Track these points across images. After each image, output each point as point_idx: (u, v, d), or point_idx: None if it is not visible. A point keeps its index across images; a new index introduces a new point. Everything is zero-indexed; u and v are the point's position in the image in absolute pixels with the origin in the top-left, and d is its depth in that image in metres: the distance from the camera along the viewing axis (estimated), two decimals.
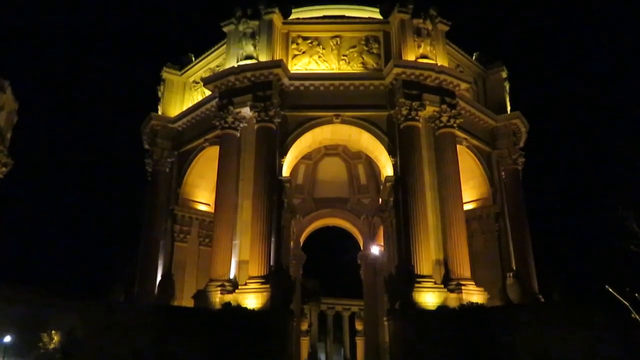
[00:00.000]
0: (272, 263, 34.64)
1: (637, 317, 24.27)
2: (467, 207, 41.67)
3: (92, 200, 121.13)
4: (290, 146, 39.04)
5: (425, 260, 34.57)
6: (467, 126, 42.15)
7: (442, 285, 34.32)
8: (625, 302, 24.47)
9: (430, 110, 38.67)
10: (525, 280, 38.63)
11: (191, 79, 48.08)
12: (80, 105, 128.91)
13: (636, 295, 24.23)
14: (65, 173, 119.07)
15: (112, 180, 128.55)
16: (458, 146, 39.89)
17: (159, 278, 40.60)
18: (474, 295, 33.99)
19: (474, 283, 35.10)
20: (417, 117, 38.07)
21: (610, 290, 24.80)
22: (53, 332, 43.01)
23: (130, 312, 30.77)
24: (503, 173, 44.56)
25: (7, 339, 71.80)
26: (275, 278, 33.28)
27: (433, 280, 34.24)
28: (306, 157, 50.72)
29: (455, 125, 39.01)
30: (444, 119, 38.63)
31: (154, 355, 27.63)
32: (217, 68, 43.84)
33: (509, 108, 47.17)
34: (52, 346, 41.66)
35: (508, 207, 43.38)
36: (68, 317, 52.53)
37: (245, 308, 32.19)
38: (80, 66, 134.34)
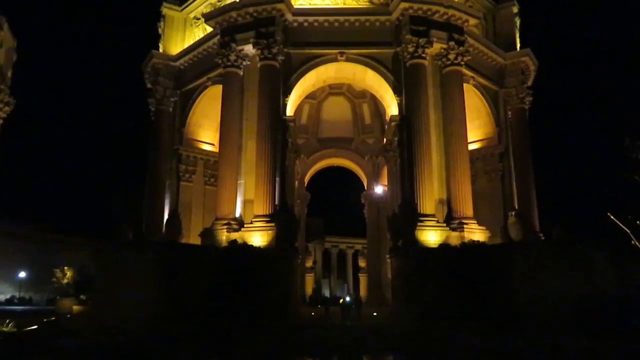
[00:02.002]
0: (276, 202, 35.13)
1: (637, 243, 24.76)
2: (471, 146, 41.55)
3: (98, 139, 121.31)
4: (294, 85, 38.52)
5: (429, 199, 34.98)
6: (475, 64, 41.25)
7: (445, 224, 34.90)
8: (626, 229, 24.88)
9: (437, 47, 37.76)
10: (526, 220, 39.04)
11: (192, 15, 46.71)
12: (81, 42, 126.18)
13: (638, 222, 24.62)
14: (68, 112, 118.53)
15: (116, 120, 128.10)
16: (464, 85, 39.28)
17: (165, 217, 41.32)
18: (476, 233, 34.62)
19: (476, 222, 35.67)
20: (423, 55, 37.25)
21: (611, 217, 25.14)
22: (65, 268, 44.34)
23: (139, 249, 31.54)
24: (509, 112, 44.06)
25: (22, 274, 74.59)
26: (280, 217, 33.85)
27: (436, 219, 34.77)
28: (310, 97, 50.15)
29: (462, 63, 38.24)
30: (451, 56, 37.80)
31: (162, 291, 28.58)
32: (219, 3, 42.47)
33: (518, 45, 45.90)
34: (65, 281, 43.07)
35: (513, 147, 43.22)
36: (79, 254, 54.21)
37: (251, 245, 32.96)
38: (79, 2, 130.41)
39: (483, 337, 22.78)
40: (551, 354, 19.74)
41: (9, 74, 39.99)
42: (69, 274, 43.33)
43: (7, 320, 28.44)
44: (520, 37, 46.62)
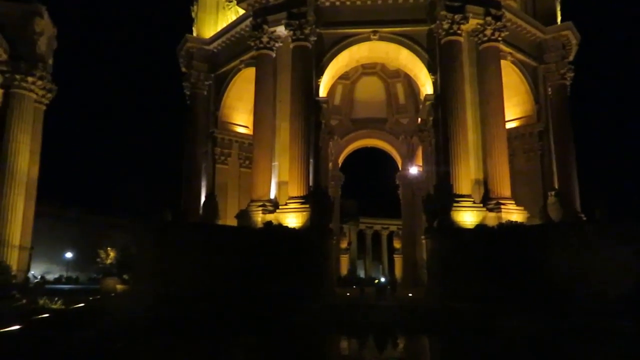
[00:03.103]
0: (310, 184, 35.32)
1: None
2: (509, 125, 40.50)
3: (136, 124, 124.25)
4: (327, 66, 38.27)
5: (465, 179, 34.43)
6: (513, 39, 39.88)
7: (481, 205, 34.32)
8: None
9: (473, 23, 36.69)
10: (567, 199, 38.00)
11: None
12: (117, 28, 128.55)
13: None
14: (106, 98, 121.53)
15: (153, 104, 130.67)
16: (502, 61, 38.10)
17: (202, 199, 42.20)
18: (514, 214, 33.94)
19: (513, 202, 34.93)
20: (459, 31, 36.28)
21: None
22: (109, 248, 46.04)
23: (179, 230, 32.40)
24: (549, 89, 42.58)
25: (69, 255, 77.97)
26: (314, 198, 34.05)
27: (472, 199, 34.23)
28: (343, 77, 49.74)
29: (500, 38, 37.06)
30: (488, 32, 36.68)
31: (201, 270, 29.33)
32: None
33: (559, 19, 44.10)
34: (108, 261, 44.73)
35: (553, 124, 41.84)
36: (122, 235, 56.15)
37: (286, 227, 33.32)
38: None
39: (521, 319, 22.47)
40: (609, 337, 19.11)
41: (50, 61, 41.22)
42: (112, 254, 44.95)
43: (56, 298, 29.94)
44: (561, 10, 44.77)
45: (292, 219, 33.98)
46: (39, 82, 38.08)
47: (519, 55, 41.13)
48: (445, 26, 36.11)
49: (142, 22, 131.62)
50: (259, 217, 34.63)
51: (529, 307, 24.54)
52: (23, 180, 36.79)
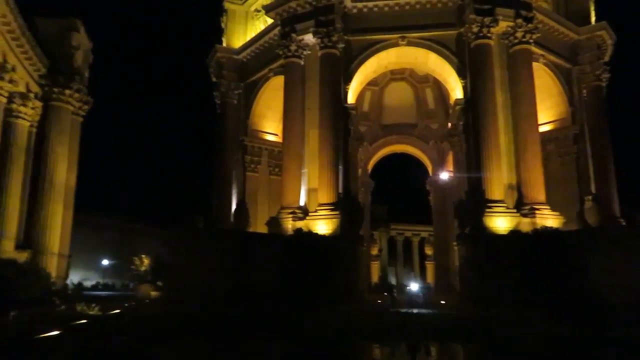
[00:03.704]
0: (340, 190, 35.31)
1: None
2: (542, 128, 39.64)
3: (167, 134, 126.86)
4: (355, 72, 38.35)
5: (497, 184, 33.84)
6: (545, 41, 39.11)
7: (515, 210, 33.65)
8: None
9: (503, 25, 36.19)
10: (605, 204, 36.91)
11: (252, 8, 47.59)
12: (148, 41, 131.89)
13: None
14: (138, 109, 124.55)
15: (182, 114, 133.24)
16: (534, 64, 37.42)
17: (233, 206, 42.71)
18: (549, 219, 33.11)
19: (548, 207, 34.10)
20: (489, 34, 35.85)
21: None
22: (143, 256, 46.97)
23: (211, 238, 32.88)
24: (584, 91, 41.51)
25: (105, 262, 79.95)
26: (343, 205, 34.04)
27: (505, 204, 33.59)
28: (372, 83, 49.71)
29: (531, 40, 36.44)
30: (519, 34, 36.10)
31: (232, 276, 29.64)
32: None
33: (593, 19, 43.04)
34: (143, 268, 45.62)
35: (589, 127, 40.77)
36: (156, 242, 57.22)
37: (316, 233, 33.39)
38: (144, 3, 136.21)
39: (558, 327, 21.83)
40: None
41: (86, 74, 42.54)
42: (146, 261, 45.82)
43: (93, 304, 30.72)
44: (595, 9, 43.69)
45: (322, 225, 34.01)
46: (76, 95, 39.31)
47: (552, 57, 40.31)
48: (475, 30, 35.71)
49: (173, 35, 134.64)
50: (289, 224, 34.79)
51: (566, 315, 23.83)
52: (61, 189, 37.96)
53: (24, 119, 35.76)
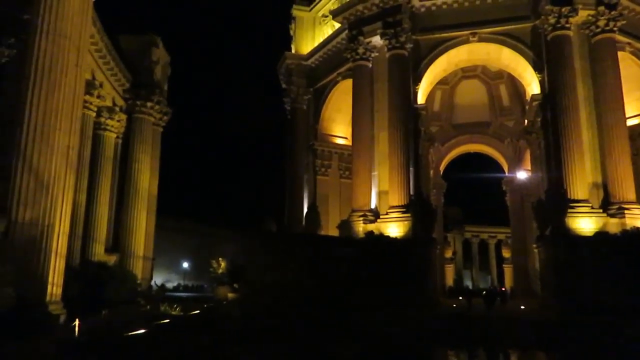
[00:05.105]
0: (411, 192, 34.79)
1: None
2: (630, 122, 36.94)
3: (240, 140, 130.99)
4: (424, 72, 37.70)
5: (580, 183, 31.89)
6: (631, 28, 36.30)
7: (601, 210, 31.55)
8: None
9: (583, 14, 34.11)
10: None
11: (320, 14, 48.16)
12: (220, 52, 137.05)
13: None
14: (213, 117, 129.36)
15: (255, 121, 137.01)
16: (619, 53, 34.90)
17: (304, 210, 43.36)
18: None
19: (639, 207, 31.66)
20: (567, 25, 33.91)
21: None
22: (220, 258, 48.65)
23: (285, 241, 33.61)
24: None
25: (185, 265, 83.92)
26: (415, 207, 33.52)
27: (589, 204, 31.58)
28: (442, 82, 48.55)
29: (615, 28, 34.01)
30: (601, 23, 33.86)
31: (306, 279, 30.08)
32: None
33: None
34: (220, 271, 47.21)
35: None
36: (232, 246, 59.19)
37: (388, 236, 33.11)
38: (215, 14, 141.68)
39: None
40: None
41: (165, 86, 44.99)
42: (223, 264, 47.45)
43: (175, 305, 32.40)
44: None
45: (394, 228, 33.68)
46: (156, 107, 41.68)
47: (639, 45, 37.42)
48: (552, 21, 33.95)
49: (245, 44, 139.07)
50: (360, 227, 34.76)
51: None
52: (145, 196, 40.34)
53: (111, 131, 38.35)
